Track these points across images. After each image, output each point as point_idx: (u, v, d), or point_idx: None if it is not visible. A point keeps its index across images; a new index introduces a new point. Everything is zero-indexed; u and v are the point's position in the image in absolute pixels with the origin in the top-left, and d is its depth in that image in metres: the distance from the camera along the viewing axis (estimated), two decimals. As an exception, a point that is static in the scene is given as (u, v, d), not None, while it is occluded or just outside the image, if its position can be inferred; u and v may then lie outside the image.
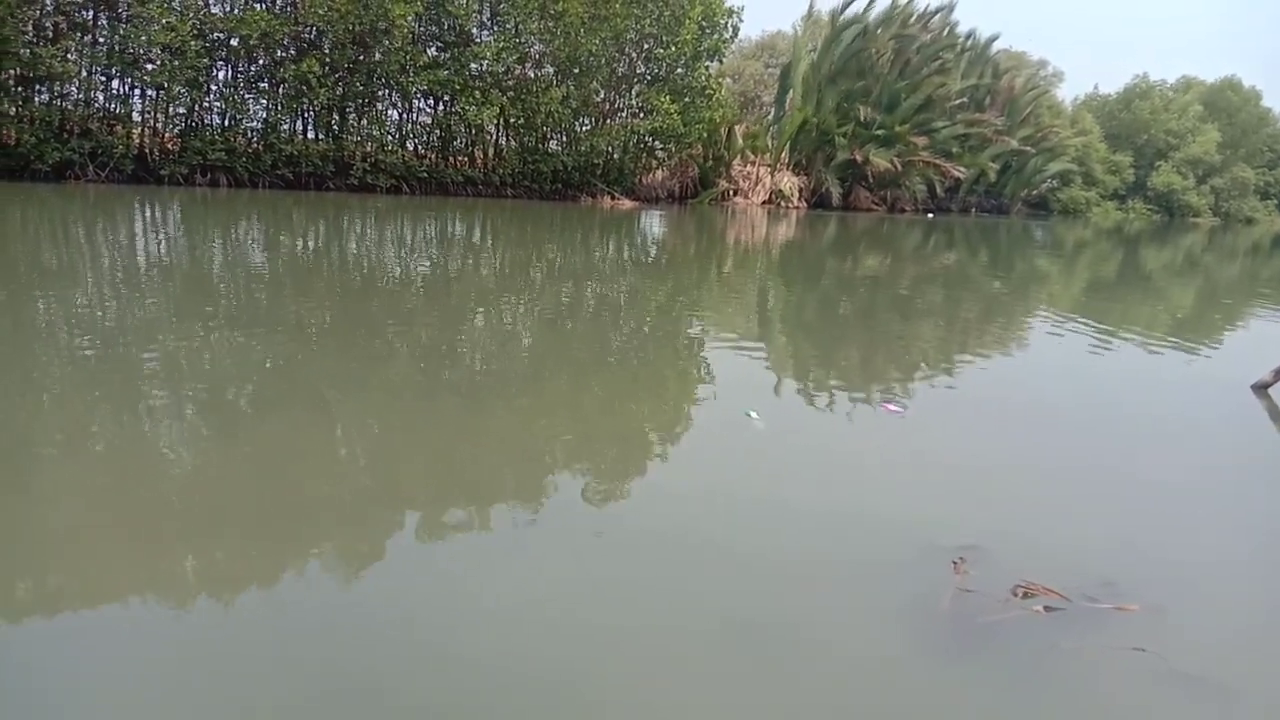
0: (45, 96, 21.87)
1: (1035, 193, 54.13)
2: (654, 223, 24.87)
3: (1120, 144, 57.23)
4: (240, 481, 4.11)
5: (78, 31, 21.92)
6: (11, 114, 21.02)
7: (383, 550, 3.52)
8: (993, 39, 45.35)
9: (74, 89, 22.34)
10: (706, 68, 31.31)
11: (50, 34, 21.38)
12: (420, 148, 28.26)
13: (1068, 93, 69.24)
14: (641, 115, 30.68)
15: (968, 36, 44.09)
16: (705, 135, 32.72)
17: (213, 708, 2.52)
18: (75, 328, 7.04)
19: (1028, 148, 46.59)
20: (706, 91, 31.13)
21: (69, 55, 21.34)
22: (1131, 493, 4.70)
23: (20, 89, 21.39)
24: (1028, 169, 48.55)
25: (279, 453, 4.51)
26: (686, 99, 30.54)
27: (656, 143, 31.83)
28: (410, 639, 2.89)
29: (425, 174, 27.13)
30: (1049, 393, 6.98)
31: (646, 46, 29.93)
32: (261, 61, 24.38)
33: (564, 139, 30.01)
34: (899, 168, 37.47)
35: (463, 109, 26.37)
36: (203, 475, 4.16)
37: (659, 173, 33.90)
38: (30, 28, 20.81)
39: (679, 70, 30.47)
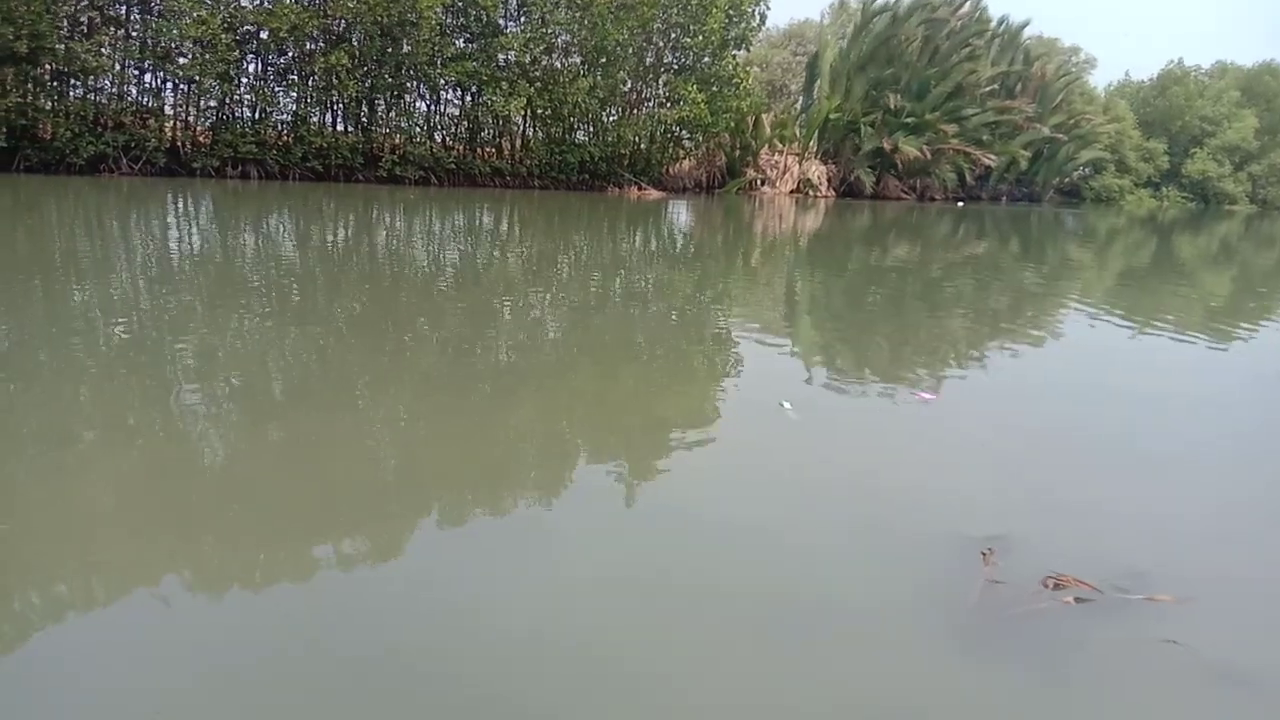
0: (80, 91, 22.17)
1: (1067, 180, 53.54)
2: (681, 213, 24.82)
3: (1154, 131, 56.33)
4: (272, 469, 4.16)
5: (111, 26, 22.20)
6: (47, 108, 21.31)
7: (418, 536, 3.56)
8: (1023, 25, 44.84)
9: (108, 83, 22.65)
10: (734, 56, 31.15)
11: (85, 29, 21.65)
12: (448, 139, 28.36)
13: (1100, 79, 68.25)
14: (668, 105, 30.57)
15: (999, 22, 43.61)
16: (732, 124, 32.59)
17: (249, 692, 2.56)
18: (110, 319, 7.13)
19: (1060, 135, 46.05)
20: (734, 80, 30.98)
21: (103, 50, 21.63)
22: (1164, 483, 4.65)
23: (55, 84, 21.72)
24: (1060, 156, 47.99)
25: (311, 441, 4.56)
26: (714, 88, 30.40)
27: (684, 132, 31.75)
28: (448, 621, 2.93)
29: (453, 165, 27.24)
30: (1081, 382, 6.92)
31: (673, 35, 29.82)
32: (291, 54, 24.55)
33: (591, 129, 30.00)
34: (929, 156, 37.15)
35: (490, 100, 26.42)
36: (235, 463, 4.21)
37: (686, 162, 33.80)
38: (65, 23, 21.08)
39: (706, 59, 30.32)
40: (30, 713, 2.45)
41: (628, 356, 7.02)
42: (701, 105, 29.42)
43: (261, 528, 3.55)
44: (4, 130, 20.02)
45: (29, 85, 21.01)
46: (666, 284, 11.14)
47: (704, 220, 23.47)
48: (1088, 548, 3.68)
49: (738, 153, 34.63)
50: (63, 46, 20.58)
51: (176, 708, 2.48)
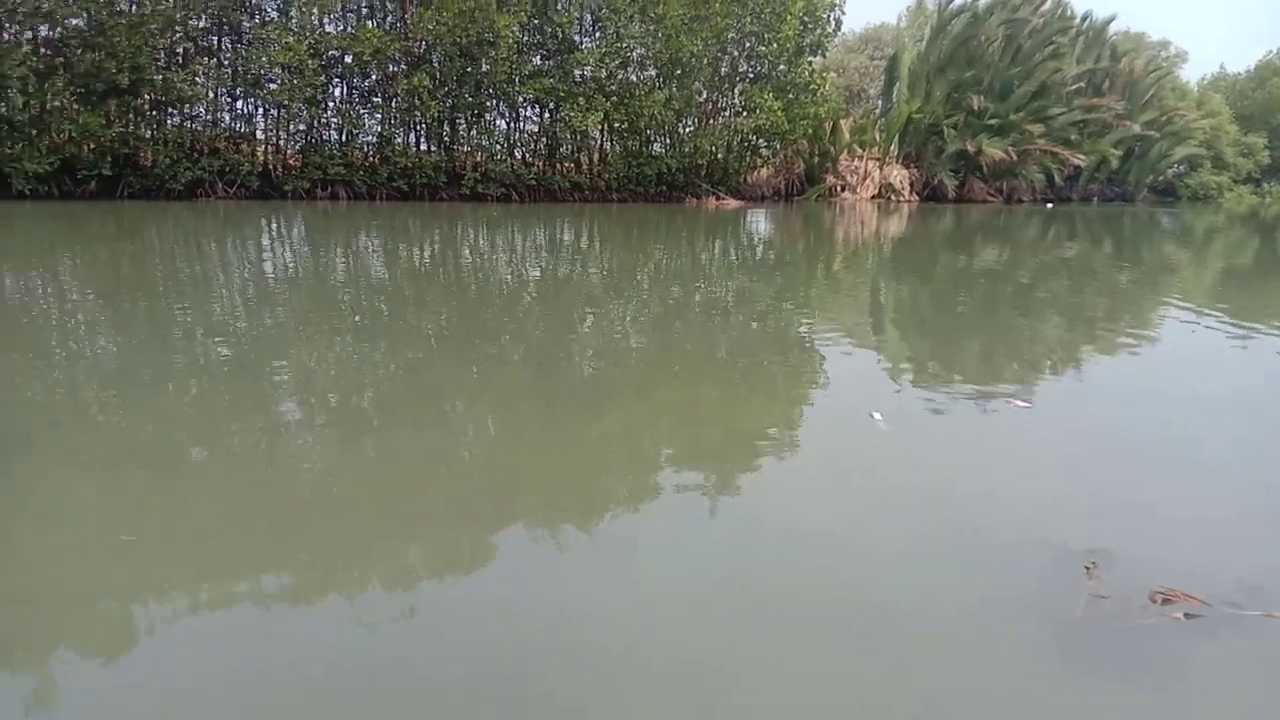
0: (176, 119, 23.06)
1: (1161, 179, 51.73)
2: (760, 221, 24.69)
3: (1253, 124, 54.05)
4: (364, 481, 4.22)
5: (204, 55, 23.07)
6: (147, 137, 22.21)
7: (505, 548, 3.56)
8: (1109, 20, 43.56)
9: (202, 110, 23.49)
10: (810, 63, 30.93)
11: (180, 59, 22.54)
12: (527, 156, 28.69)
13: (1192, 74, 65.82)
14: (745, 114, 30.49)
15: (1083, 19, 42.46)
16: (810, 131, 32.34)
17: (336, 699, 2.60)
18: (212, 338, 7.38)
19: (1151, 132, 44.53)
20: (810, 87, 30.77)
21: (197, 79, 22.46)
22: (1274, 493, 4.45)
23: (154, 113, 22.62)
24: (1152, 154, 46.40)
25: (401, 455, 4.62)
26: (790, 95, 30.23)
27: (761, 141, 31.61)
28: (534, 630, 2.93)
29: (533, 181, 27.53)
30: (1182, 389, 6.63)
31: (748, 45, 29.74)
32: (375, 77, 25.13)
33: (667, 141, 30.05)
34: (1014, 157, 36.30)
35: (568, 116, 26.68)
36: (330, 476, 4.30)
37: (764, 171, 33.63)
38: (162, 55, 21.97)
39: (781, 67, 30.18)
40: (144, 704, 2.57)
41: (711, 367, 6.95)
42: (778, 113, 29.26)
43: (353, 538, 3.59)
44: (109, 159, 20.95)
45: (130, 115, 21.93)
46: (748, 293, 11.07)
47: (784, 228, 23.30)
48: (1194, 562, 3.50)
49: (816, 159, 34.34)
50: (160, 77, 21.45)
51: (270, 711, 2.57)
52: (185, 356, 6.71)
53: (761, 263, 15.12)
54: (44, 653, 2.80)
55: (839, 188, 34.82)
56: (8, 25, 19.59)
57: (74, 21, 20.23)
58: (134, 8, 20.83)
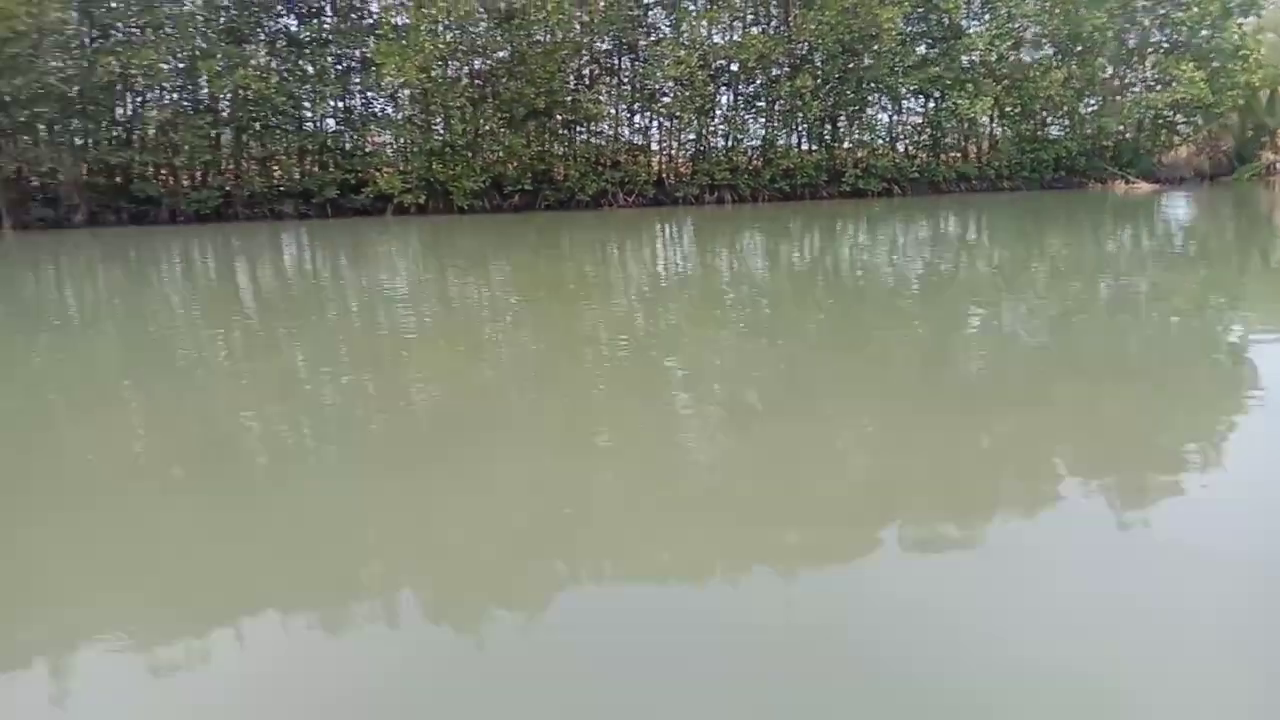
0: (584, 136, 25.27)
1: None
2: (1179, 206, 22.11)
3: None
4: (745, 470, 4.37)
5: (607, 75, 25.10)
6: (559, 154, 24.60)
7: (890, 547, 3.46)
8: None
9: (605, 126, 25.54)
10: (1239, 25, 27.25)
11: (587, 81, 24.73)
12: (910, 148, 28.03)
13: None
14: (1158, 87, 27.53)
15: None
16: (1241, 102, 28.45)
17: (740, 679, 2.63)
18: (613, 333, 8.03)
19: None
20: (1240, 53, 27.06)
21: (600, 98, 24.50)
22: None
23: (565, 132, 24.99)
24: None
25: (781, 446, 4.69)
26: (1215, 63, 26.81)
27: (1178, 116, 28.36)
28: (935, 631, 2.79)
29: (916, 174, 26.80)
30: None
31: (1162, 11, 26.86)
32: (759, 82, 25.87)
33: (1066, 123, 27.98)
34: None
35: (954, 104, 25.72)
36: (714, 462, 4.51)
37: (1182, 150, 30.20)
38: (571, 78, 24.23)
39: (1204, 32, 26.89)
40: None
41: (1120, 372, 6.17)
42: (1200, 84, 26.04)
43: (735, 528, 3.66)
44: (529, 175, 23.47)
45: (545, 135, 24.44)
46: (1162, 289, 9.81)
47: (1210, 213, 20.72)
48: None
49: (1250, 134, 30.15)
50: (570, 98, 23.63)
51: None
52: (591, 349, 7.39)
53: (1182, 252, 13.46)
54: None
55: (1278, 165, 30.32)
56: (450, 62, 22.65)
57: (500, 54, 22.96)
58: (548, 36, 23.13)
